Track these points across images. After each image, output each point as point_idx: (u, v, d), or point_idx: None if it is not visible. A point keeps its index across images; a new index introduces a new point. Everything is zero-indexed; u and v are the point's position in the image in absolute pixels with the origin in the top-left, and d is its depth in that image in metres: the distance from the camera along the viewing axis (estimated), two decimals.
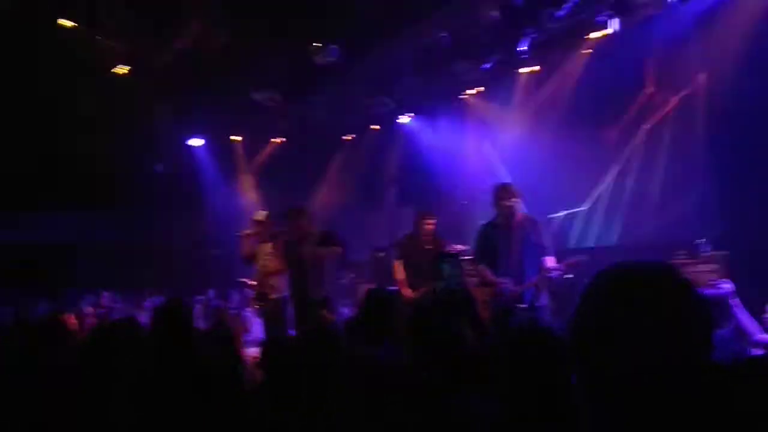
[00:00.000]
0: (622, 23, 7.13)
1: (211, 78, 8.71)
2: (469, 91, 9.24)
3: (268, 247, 6.45)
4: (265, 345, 3.68)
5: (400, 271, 6.18)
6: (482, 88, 9.06)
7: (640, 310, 1.06)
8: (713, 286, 3.13)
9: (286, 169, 10.97)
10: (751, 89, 6.08)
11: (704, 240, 6.02)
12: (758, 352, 3.01)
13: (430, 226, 6.13)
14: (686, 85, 7.09)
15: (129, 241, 10.35)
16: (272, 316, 6.16)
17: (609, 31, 7.28)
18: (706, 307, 1.11)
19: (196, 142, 10.18)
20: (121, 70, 7.67)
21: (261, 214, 6.59)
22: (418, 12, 7.58)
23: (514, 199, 5.07)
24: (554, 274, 4.85)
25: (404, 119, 10.09)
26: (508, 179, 6.66)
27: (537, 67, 8.44)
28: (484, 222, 5.39)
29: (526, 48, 7.75)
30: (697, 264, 5.74)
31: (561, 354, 2.23)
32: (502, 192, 5.13)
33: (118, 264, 9.90)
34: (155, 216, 10.35)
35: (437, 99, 9.43)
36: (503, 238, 5.04)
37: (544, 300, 5.09)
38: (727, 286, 3.12)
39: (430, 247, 6.01)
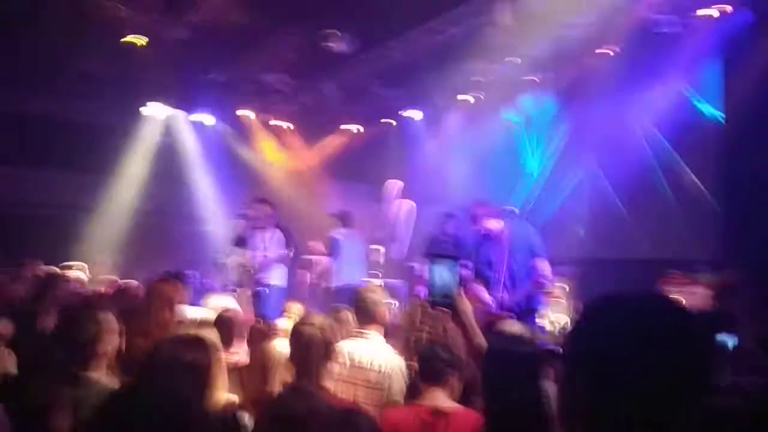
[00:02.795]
0: None
1: (222, 56, 8.66)
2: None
3: (268, 234, 6.48)
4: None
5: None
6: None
7: (640, 342, 1.03)
8: None
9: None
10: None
11: (701, 262, 6.00)
12: None
13: (451, 228, 6.51)
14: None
15: (119, 210, 10.24)
16: (271, 304, 6.24)
17: None
18: (704, 343, 1.10)
19: (200, 117, 10.11)
20: (135, 39, 7.58)
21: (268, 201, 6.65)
22: (437, 6, 7.52)
23: (492, 218, 4.99)
24: (545, 282, 4.81)
25: (413, 113, 10.01)
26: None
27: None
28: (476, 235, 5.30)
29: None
30: (691, 286, 5.72)
31: (533, 367, 2.22)
32: (481, 211, 5.05)
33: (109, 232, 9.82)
34: (149, 186, 10.28)
35: (448, 96, 9.40)
36: (494, 251, 4.98)
37: (539, 304, 5.04)
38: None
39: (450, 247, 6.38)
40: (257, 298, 6.34)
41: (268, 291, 6.33)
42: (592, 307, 1.13)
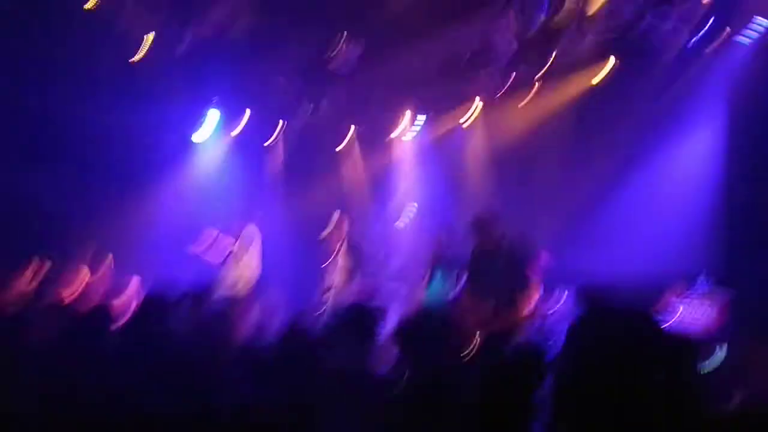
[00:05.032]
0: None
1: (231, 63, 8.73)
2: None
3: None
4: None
5: None
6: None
7: (616, 354, 1.15)
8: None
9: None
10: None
11: (703, 275, 5.97)
12: None
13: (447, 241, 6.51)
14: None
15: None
16: None
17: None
18: (673, 356, 1.26)
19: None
20: (140, 55, 7.64)
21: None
22: (444, 22, 7.57)
23: (497, 230, 5.02)
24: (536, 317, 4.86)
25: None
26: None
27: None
28: (475, 246, 5.30)
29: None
30: (692, 300, 5.71)
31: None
32: (488, 222, 5.07)
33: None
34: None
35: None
36: (493, 265, 5.01)
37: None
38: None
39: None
40: None
41: None
42: (580, 319, 1.27)
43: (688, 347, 1.58)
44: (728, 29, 6.54)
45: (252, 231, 7.35)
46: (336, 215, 6.95)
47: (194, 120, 9.84)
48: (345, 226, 6.83)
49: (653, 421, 1.13)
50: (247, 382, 2.98)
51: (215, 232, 7.20)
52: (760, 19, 6.39)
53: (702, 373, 2.75)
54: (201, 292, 4.46)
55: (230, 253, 7.08)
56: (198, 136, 9.77)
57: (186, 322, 3.71)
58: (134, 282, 5.97)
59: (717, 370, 3.61)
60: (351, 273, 6.51)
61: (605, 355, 1.16)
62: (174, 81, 8.83)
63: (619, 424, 1.12)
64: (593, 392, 1.15)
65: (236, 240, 7.19)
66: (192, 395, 2.73)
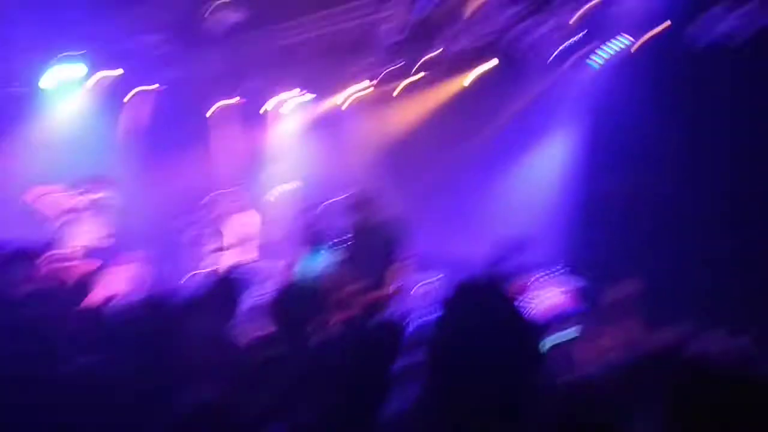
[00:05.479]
0: None
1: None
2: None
3: None
4: None
5: None
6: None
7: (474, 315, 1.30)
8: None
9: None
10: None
11: (560, 263, 6.42)
12: None
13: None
14: None
15: None
16: None
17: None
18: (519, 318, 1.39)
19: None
20: None
21: None
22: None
23: (374, 209, 5.20)
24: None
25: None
26: None
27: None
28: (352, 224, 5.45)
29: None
30: (548, 285, 6.13)
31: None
32: (366, 202, 5.28)
33: None
34: None
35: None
36: (368, 243, 5.20)
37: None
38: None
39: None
40: None
41: None
42: (454, 296, 1.41)
43: (539, 326, 1.73)
44: (596, 42, 7.12)
45: (109, 189, 6.74)
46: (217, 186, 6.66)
47: (49, 71, 8.89)
48: (223, 198, 6.54)
49: (510, 391, 1.22)
50: (97, 349, 2.76)
51: (59, 186, 6.45)
52: (624, 36, 6.98)
53: (547, 350, 2.97)
54: (37, 249, 4.01)
55: (75, 209, 6.36)
56: (52, 88, 8.83)
57: (21, 282, 3.35)
58: None
59: (563, 348, 3.90)
60: (224, 244, 6.29)
61: (476, 328, 1.25)
62: (25, 28, 7.92)
63: (484, 393, 1.20)
64: (465, 363, 1.21)
65: (87, 196, 6.51)
66: (32, 362, 2.49)
